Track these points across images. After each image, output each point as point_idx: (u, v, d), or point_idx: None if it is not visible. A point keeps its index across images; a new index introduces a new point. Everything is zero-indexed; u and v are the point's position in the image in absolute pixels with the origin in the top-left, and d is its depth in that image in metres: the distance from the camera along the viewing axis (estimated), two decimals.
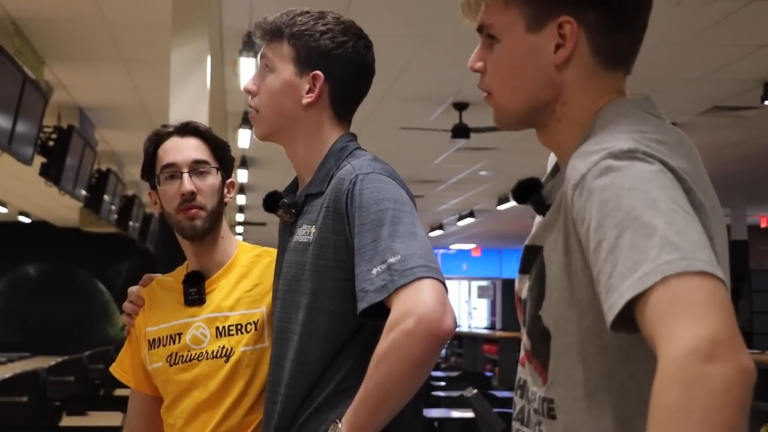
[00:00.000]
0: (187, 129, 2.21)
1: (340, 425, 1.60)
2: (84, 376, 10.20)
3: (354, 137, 1.91)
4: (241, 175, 11.93)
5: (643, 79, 7.55)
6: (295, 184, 1.94)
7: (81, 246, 18.28)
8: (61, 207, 14.14)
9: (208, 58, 5.45)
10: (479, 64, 1.48)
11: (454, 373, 9.92)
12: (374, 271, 1.58)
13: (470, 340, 17.12)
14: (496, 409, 4.79)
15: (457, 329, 17.73)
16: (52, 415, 7.82)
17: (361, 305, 1.59)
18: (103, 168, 10.62)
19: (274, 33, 1.84)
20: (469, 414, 5.60)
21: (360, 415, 1.57)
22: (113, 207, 11.65)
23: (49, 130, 7.94)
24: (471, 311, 26.94)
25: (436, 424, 5.98)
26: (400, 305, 1.54)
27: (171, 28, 5.35)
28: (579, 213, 1.21)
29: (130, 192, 13.16)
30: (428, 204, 15.58)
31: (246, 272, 2.19)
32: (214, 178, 2.17)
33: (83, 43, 6.79)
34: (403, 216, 1.66)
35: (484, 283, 26.35)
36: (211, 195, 2.16)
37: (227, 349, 2.10)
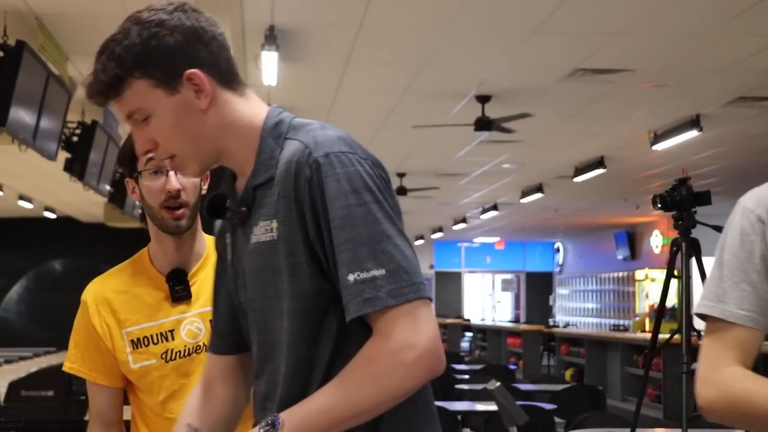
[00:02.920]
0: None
1: (279, 423, 1.47)
2: None
3: (275, 107, 1.69)
4: None
5: (669, 70, 7.50)
6: (230, 183, 1.71)
7: (106, 241, 18.33)
8: (85, 202, 14.23)
9: (231, 53, 5.45)
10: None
11: (478, 366, 9.90)
12: (351, 278, 1.46)
13: (494, 333, 17.08)
14: (519, 402, 4.77)
15: (481, 322, 17.73)
16: (77, 408, 7.87)
17: (348, 314, 1.48)
18: None
19: (115, 85, 1.58)
20: (492, 407, 5.58)
21: (312, 424, 1.47)
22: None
23: (73, 125, 7.98)
24: (495, 304, 26.89)
25: (459, 417, 5.96)
26: (397, 333, 1.44)
27: None
28: None
29: None
30: (451, 197, 15.55)
31: None
32: None
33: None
34: (377, 209, 1.49)
35: (507, 276, 26.29)
36: (193, 192, 2.18)
37: None
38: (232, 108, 1.63)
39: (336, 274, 1.49)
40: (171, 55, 1.57)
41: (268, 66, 6.74)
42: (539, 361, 15.55)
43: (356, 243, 1.47)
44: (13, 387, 7.42)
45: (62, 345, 18.01)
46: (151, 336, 2.19)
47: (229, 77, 1.65)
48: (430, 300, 1.50)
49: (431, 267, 25.24)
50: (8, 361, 16.02)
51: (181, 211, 2.15)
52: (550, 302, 25.03)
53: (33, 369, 8.07)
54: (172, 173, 2.14)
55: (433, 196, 14.86)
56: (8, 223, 19.32)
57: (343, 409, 1.46)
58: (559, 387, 7.75)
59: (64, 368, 2.31)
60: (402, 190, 13.20)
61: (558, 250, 25.17)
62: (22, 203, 15.98)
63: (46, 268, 20.40)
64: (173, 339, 2.19)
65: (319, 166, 1.51)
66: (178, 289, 2.21)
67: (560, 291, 24.79)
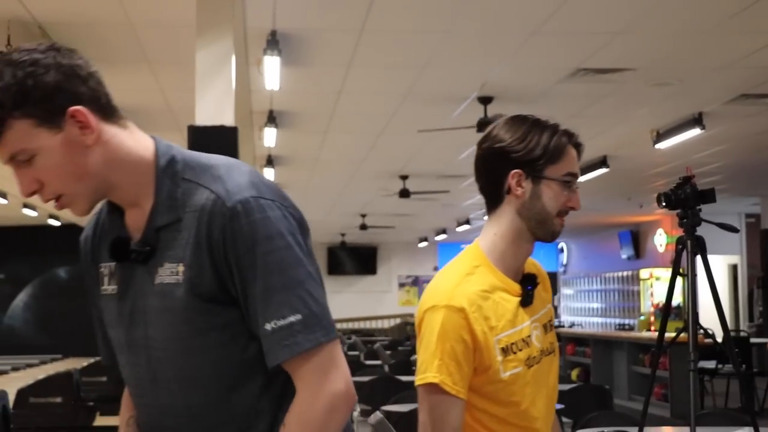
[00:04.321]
0: (580, 144, 2.16)
1: None
2: (116, 377, 10.23)
3: (160, 139, 1.70)
4: (268, 174, 11.97)
5: (669, 68, 7.51)
6: (113, 217, 1.73)
7: None
8: None
9: (233, 58, 5.47)
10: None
11: None
12: (268, 327, 1.55)
13: None
14: None
15: None
16: (86, 415, 7.89)
17: (268, 361, 1.57)
18: None
19: None
20: None
21: None
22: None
23: None
24: None
25: None
26: (320, 384, 1.57)
27: (195, 29, 5.37)
28: None
29: None
30: (454, 199, 15.56)
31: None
32: None
33: (109, 46, 6.84)
34: (289, 254, 1.56)
35: None
36: None
37: (553, 344, 2.19)
38: (120, 142, 1.63)
39: (253, 320, 1.57)
40: (51, 94, 1.55)
41: (271, 71, 6.76)
42: None
43: (271, 291, 1.54)
44: (22, 394, 7.45)
45: (68, 352, 18.12)
46: (516, 342, 2.09)
47: (110, 112, 1.64)
48: (338, 339, 1.61)
49: (435, 269, 25.24)
50: (15, 369, 16.04)
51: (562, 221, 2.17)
52: (555, 302, 25.01)
53: (40, 376, 8.10)
54: (578, 192, 2.14)
55: (437, 198, 14.87)
56: (13, 231, 19.37)
57: None
58: (566, 387, 7.75)
59: (428, 380, 2.02)
60: (405, 193, 13.21)
61: (562, 250, 25.16)
62: (27, 211, 16.02)
63: (51, 275, 20.43)
64: (529, 345, 2.11)
65: (233, 215, 1.55)
66: (529, 291, 2.14)
67: (565, 291, 24.79)
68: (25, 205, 15.69)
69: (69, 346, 18.88)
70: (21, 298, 20.31)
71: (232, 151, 5.50)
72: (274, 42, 6.42)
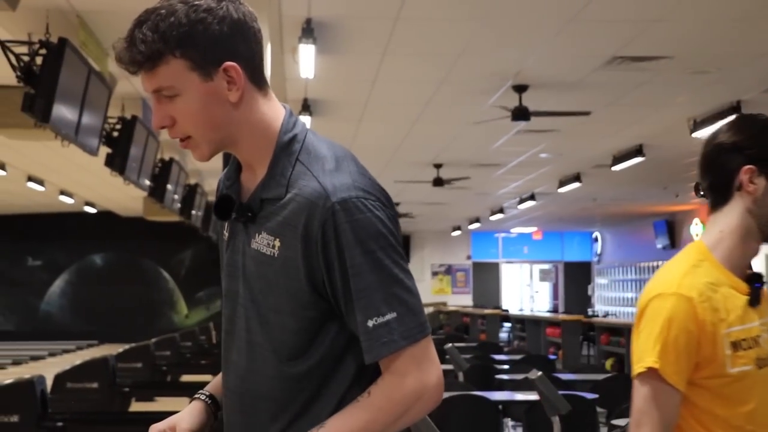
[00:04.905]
0: None
1: None
2: (151, 363, 10.38)
3: (291, 113, 1.75)
4: None
5: (707, 56, 7.43)
6: (235, 168, 1.79)
7: (145, 235, 18.57)
8: (125, 197, 14.38)
9: (268, 46, 5.48)
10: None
11: (517, 357, 9.89)
12: (370, 324, 1.60)
13: (533, 323, 17.03)
14: (560, 392, 4.77)
15: (520, 312, 17.62)
16: (121, 400, 7.98)
17: (369, 357, 1.62)
18: (166, 157, 10.77)
19: (153, 58, 1.61)
20: (533, 396, 5.58)
21: None
22: (176, 196, 11.81)
23: (114, 120, 8.07)
24: (533, 295, 26.80)
25: (500, 407, 5.97)
26: (412, 374, 1.62)
27: None
28: None
29: (192, 181, 13.32)
30: (488, 188, 15.52)
31: None
32: None
33: None
34: (388, 256, 1.62)
35: (545, 266, 26.18)
36: None
37: None
38: (257, 107, 1.68)
39: (350, 316, 1.62)
40: (214, 44, 1.60)
41: (306, 59, 6.77)
42: (579, 351, 15.49)
43: (371, 290, 1.60)
44: (59, 379, 7.54)
45: (104, 338, 18.35)
46: (746, 339, 2.02)
47: (259, 75, 1.69)
48: (431, 334, 1.67)
49: (468, 258, 25.20)
50: (52, 354, 16.25)
51: None
52: (589, 292, 24.90)
53: (77, 362, 8.19)
54: None
55: (470, 187, 14.83)
56: (50, 219, 19.58)
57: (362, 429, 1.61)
58: (600, 376, 7.73)
59: (647, 365, 1.98)
60: (439, 181, 13.20)
61: (596, 239, 25.02)
62: (64, 198, 16.19)
63: (87, 262, 20.66)
64: (760, 345, 2.04)
65: (335, 212, 1.60)
66: (757, 290, 2.08)
67: (599, 281, 24.65)
68: (62, 192, 15.85)
69: (105, 332, 19.09)
70: (58, 285, 20.56)
71: None
72: (309, 30, 6.42)
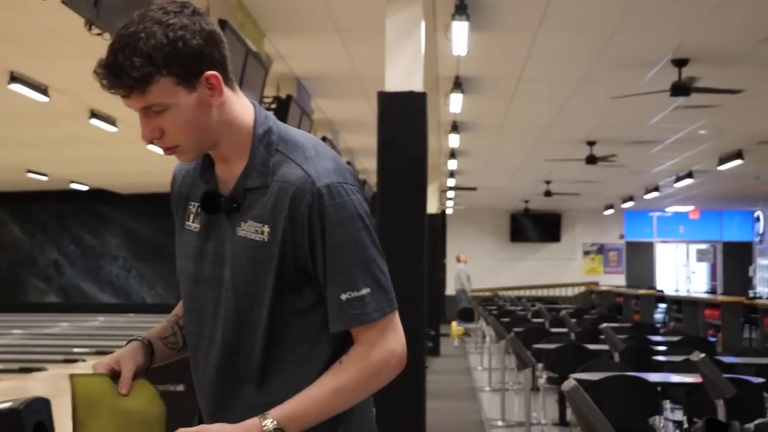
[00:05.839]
0: None
1: (268, 420, 1.74)
2: None
3: (259, 106, 1.88)
4: (453, 140, 12.00)
5: None
6: (208, 163, 1.88)
7: None
8: None
9: (422, 24, 5.50)
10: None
11: (675, 338, 9.63)
12: (343, 297, 1.76)
13: (690, 304, 16.55)
14: (723, 375, 4.63)
15: (676, 293, 17.16)
16: None
17: (334, 326, 1.78)
18: (319, 136, 10.98)
19: (144, 81, 1.70)
20: (690, 378, 5.44)
21: (306, 416, 1.75)
22: None
23: (269, 100, 8.28)
24: (689, 275, 26.03)
25: (659, 388, 5.84)
26: (382, 342, 1.78)
27: None
28: None
29: (345, 160, 13.53)
30: (643, 165, 15.13)
31: None
32: None
33: (300, 15, 7.02)
34: (366, 234, 1.78)
35: (703, 246, 25.37)
36: None
37: None
38: (232, 105, 1.81)
39: (327, 289, 1.78)
40: (194, 58, 1.73)
41: (459, 36, 6.75)
42: (740, 333, 14.97)
43: (349, 266, 1.76)
44: None
45: None
46: None
47: (229, 76, 1.81)
48: (397, 308, 1.83)
49: (621, 237, 24.70)
50: None
51: None
52: (750, 273, 24.01)
53: (163, 363, 8.41)
54: None
55: (625, 165, 14.50)
56: None
57: (335, 408, 1.78)
58: (765, 360, 7.44)
59: None
60: (592, 159, 12.95)
61: (758, 219, 24.08)
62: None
63: None
64: None
65: (321, 195, 1.76)
66: None
67: (761, 262, 23.74)
68: None
69: None
70: None
71: (420, 116, 5.55)
72: (462, 6, 6.40)
